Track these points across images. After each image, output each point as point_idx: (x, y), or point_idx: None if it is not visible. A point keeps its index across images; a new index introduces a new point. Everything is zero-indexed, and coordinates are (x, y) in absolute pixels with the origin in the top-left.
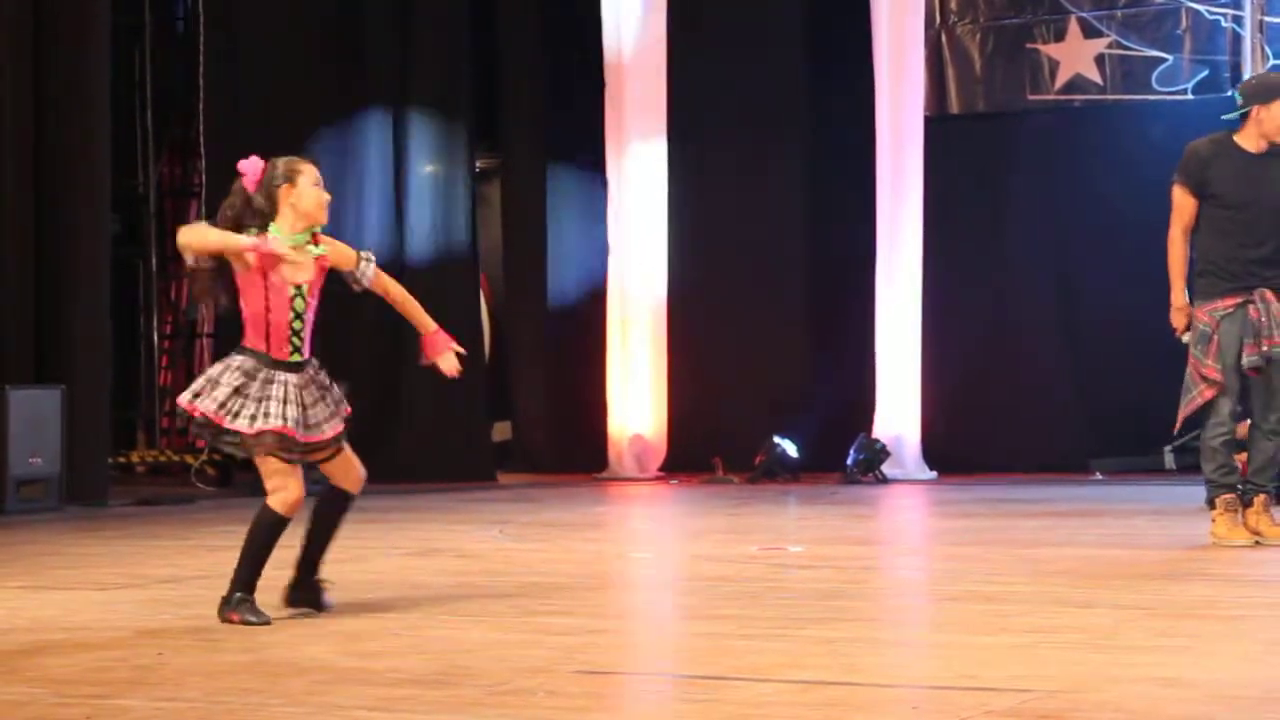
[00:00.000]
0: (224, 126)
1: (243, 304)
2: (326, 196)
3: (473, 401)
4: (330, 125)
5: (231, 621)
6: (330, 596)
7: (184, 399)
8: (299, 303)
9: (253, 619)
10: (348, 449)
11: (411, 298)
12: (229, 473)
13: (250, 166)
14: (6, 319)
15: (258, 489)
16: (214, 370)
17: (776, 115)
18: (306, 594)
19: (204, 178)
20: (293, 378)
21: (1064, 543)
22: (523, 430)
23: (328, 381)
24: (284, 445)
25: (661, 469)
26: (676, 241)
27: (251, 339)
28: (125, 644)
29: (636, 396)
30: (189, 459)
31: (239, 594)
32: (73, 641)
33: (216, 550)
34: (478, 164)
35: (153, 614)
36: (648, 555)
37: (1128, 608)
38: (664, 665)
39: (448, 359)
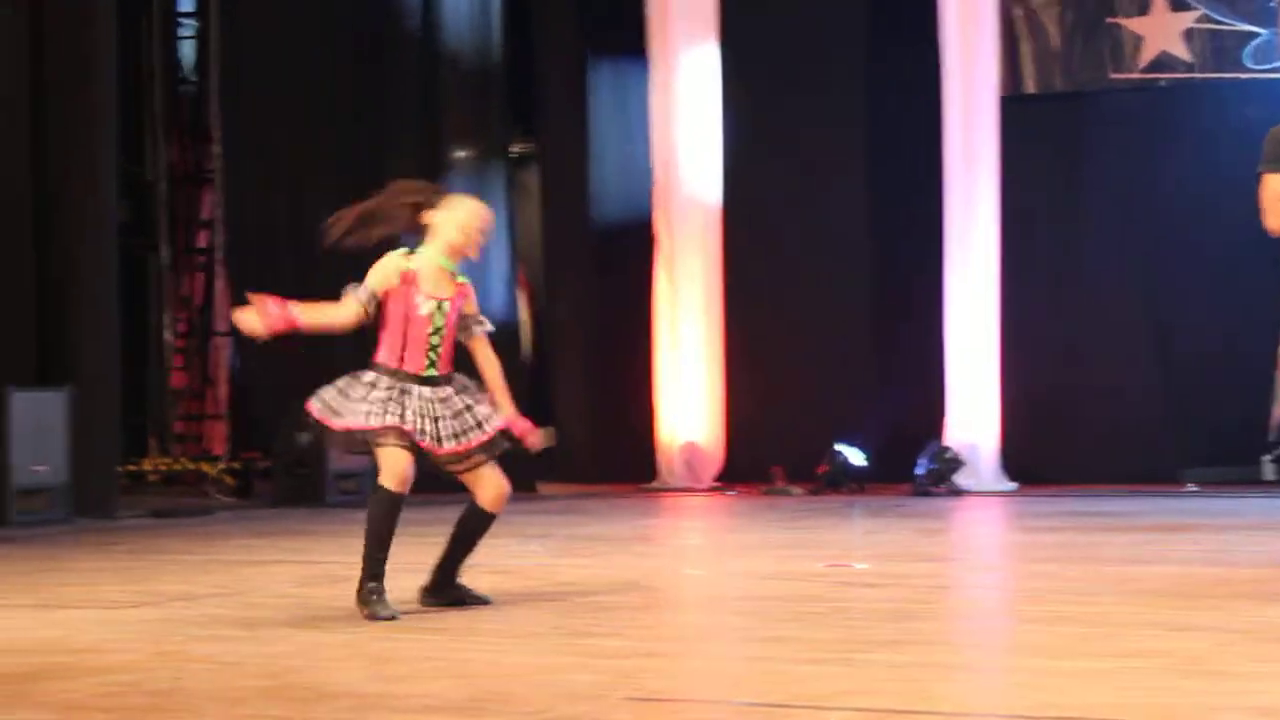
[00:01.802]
0: (237, 108)
1: (385, 318)
2: (483, 233)
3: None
4: (351, 108)
5: (362, 615)
6: (481, 591)
7: (318, 409)
8: (438, 318)
9: (381, 612)
10: (488, 466)
11: (501, 376)
12: (249, 482)
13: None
14: (7, 315)
15: (279, 500)
16: (342, 382)
17: (837, 107)
18: (440, 596)
19: (217, 163)
20: (426, 390)
21: (1153, 560)
22: (565, 437)
23: (472, 401)
24: (405, 441)
25: (716, 479)
26: (732, 235)
27: (385, 356)
28: (138, 667)
29: (689, 401)
30: (205, 467)
31: (369, 584)
32: (81, 664)
33: (236, 566)
34: (514, 149)
35: (167, 634)
36: (701, 572)
37: (1222, 630)
38: (720, 692)
39: (533, 439)
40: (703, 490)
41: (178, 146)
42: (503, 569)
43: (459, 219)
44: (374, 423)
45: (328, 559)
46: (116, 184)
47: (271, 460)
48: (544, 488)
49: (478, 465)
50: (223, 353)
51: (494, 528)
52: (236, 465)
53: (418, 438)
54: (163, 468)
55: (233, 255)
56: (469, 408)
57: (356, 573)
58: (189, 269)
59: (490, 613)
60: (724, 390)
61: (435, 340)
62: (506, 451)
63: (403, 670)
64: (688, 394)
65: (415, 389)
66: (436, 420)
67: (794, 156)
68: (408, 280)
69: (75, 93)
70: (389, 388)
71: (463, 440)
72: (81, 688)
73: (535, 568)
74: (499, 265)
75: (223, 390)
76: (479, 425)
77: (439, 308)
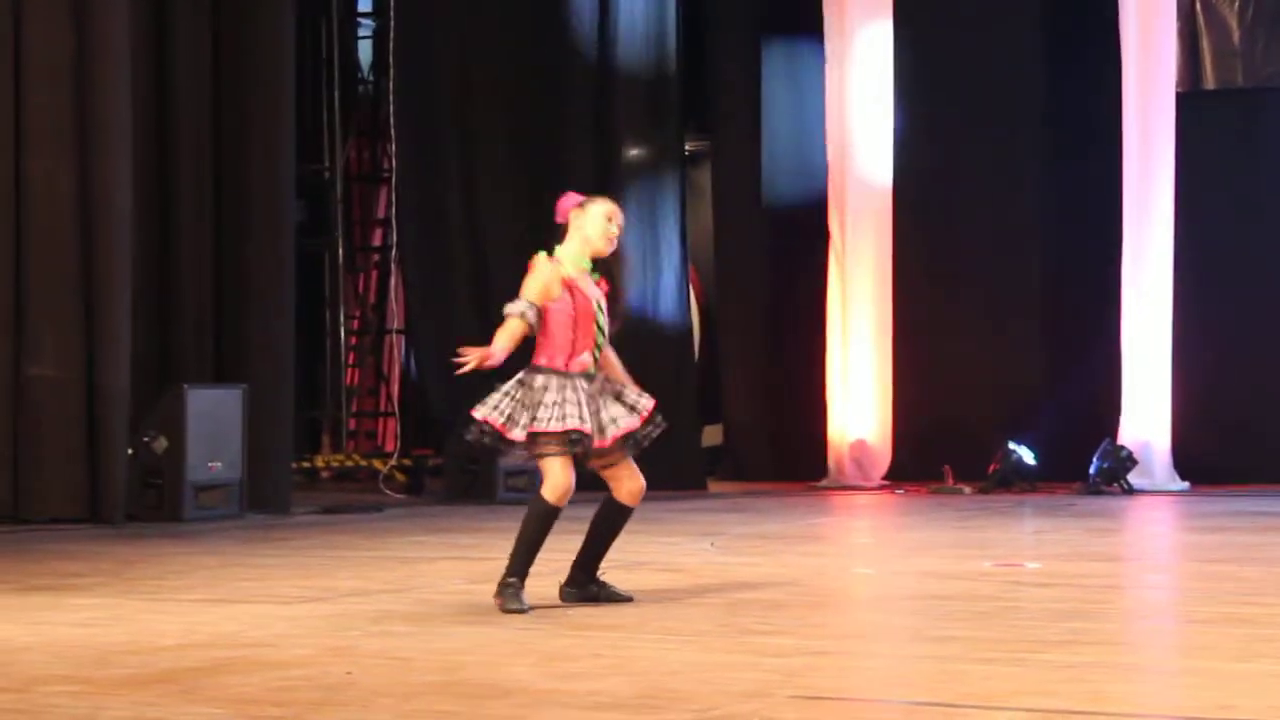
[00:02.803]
0: (415, 106)
1: (548, 323)
2: (615, 231)
3: (681, 404)
4: (526, 106)
5: (496, 605)
6: (622, 589)
7: (494, 418)
8: (601, 317)
9: (513, 606)
10: (627, 462)
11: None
12: (419, 479)
13: (566, 201)
14: (184, 315)
15: (450, 496)
16: (510, 387)
17: (1013, 98)
18: (580, 591)
19: (393, 162)
20: (587, 384)
21: None
22: (735, 435)
23: (620, 389)
24: (571, 444)
25: (886, 477)
26: (902, 231)
27: (552, 358)
28: (311, 662)
29: (859, 399)
30: (377, 464)
31: (510, 579)
32: (255, 659)
33: (408, 562)
34: (687, 146)
35: (340, 630)
36: (871, 571)
37: None
38: (888, 691)
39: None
40: (872, 489)
41: (355, 145)
42: (673, 566)
43: (595, 221)
44: (552, 427)
45: (498, 555)
46: (294, 183)
47: (443, 457)
48: (714, 486)
49: (623, 459)
50: (396, 350)
51: (664, 524)
52: (408, 462)
53: (590, 438)
54: (335, 464)
55: (407, 253)
56: (619, 395)
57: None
58: (364, 267)
59: (659, 610)
60: (893, 388)
61: (600, 339)
62: (653, 439)
63: (572, 667)
64: (858, 391)
65: (582, 384)
66: (598, 413)
67: (968, 147)
68: (569, 285)
69: (254, 92)
70: (560, 388)
71: (622, 425)
72: (255, 682)
73: (705, 566)
74: (671, 264)
75: (395, 387)
76: (632, 409)
77: (599, 307)
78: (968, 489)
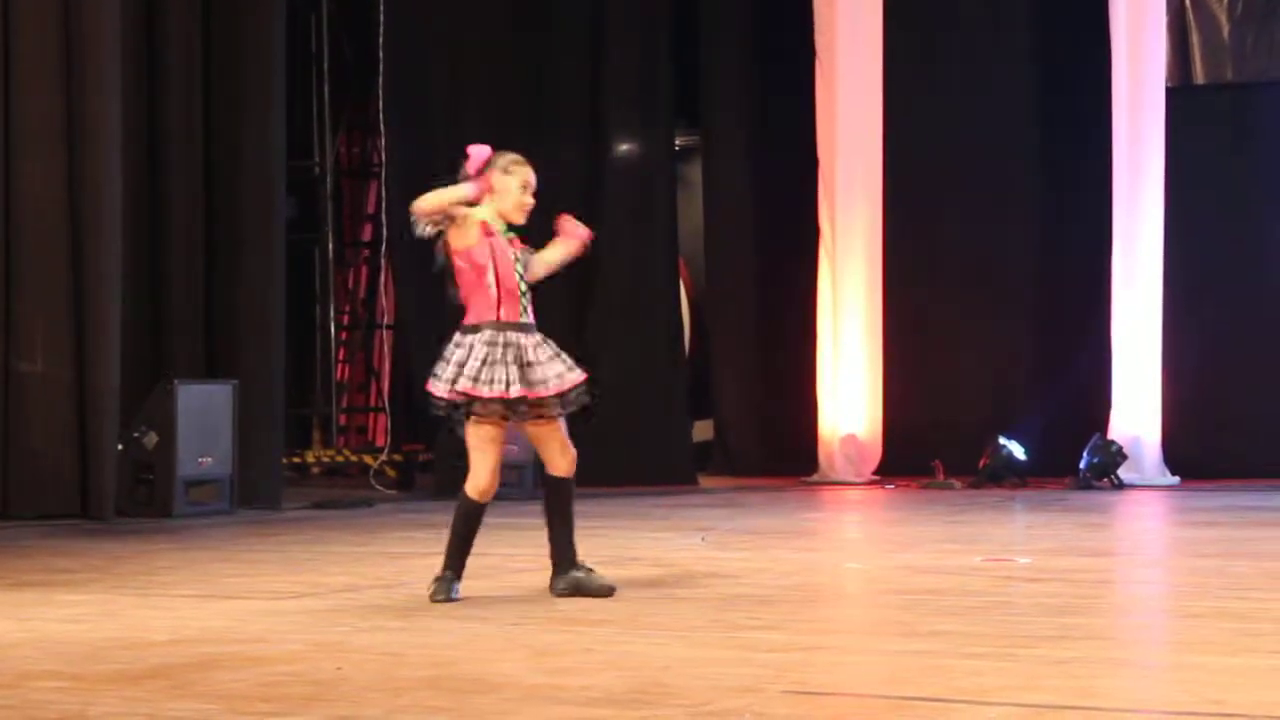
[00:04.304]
0: (405, 101)
1: (463, 283)
2: (530, 202)
3: (672, 399)
4: (516, 102)
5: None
6: (605, 578)
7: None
8: (519, 267)
9: (439, 596)
10: (561, 424)
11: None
12: (410, 475)
13: (478, 151)
14: (175, 309)
15: (441, 492)
16: (446, 350)
17: (1004, 93)
18: (570, 584)
19: (383, 156)
20: (524, 338)
21: None
22: (725, 429)
23: (554, 351)
24: (519, 408)
25: (876, 472)
26: (893, 223)
27: (479, 312)
28: (301, 657)
29: (849, 393)
30: (367, 459)
31: (445, 572)
32: (245, 654)
33: (398, 558)
34: (677, 141)
35: (330, 625)
36: (861, 566)
37: None
38: (880, 686)
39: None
40: (862, 483)
41: (344, 140)
42: (664, 562)
43: (511, 193)
44: (481, 391)
45: (488, 551)
46: (284, 178)
47: (433, 452)
48: (705, 481)
49: (553, 425)
50: (386, 344)
51: (655, 519)
52: (398, 457)
53: (519, 402)
54: (326, 459)
55: (397, 248)
56: (559, 354)
57: (518, 565)
58: (354, 262)
59: (651, 605)
60: (884, 382)
61: (524, 289)
62: (583, 407)
63: (564, 662)
64: (848, 386)
65: (516, 337)
66: (533, 367)
67: (958, 142)
68: (487, 232)
69: (244, 88)
70: (490, 343)
71: (552, 385)
72: (245, 678)
73: (696, 561)
74: (661, 259)
75: (385, 383)
76: (571, 369)
77: (516, 258)
78: (958, 484)
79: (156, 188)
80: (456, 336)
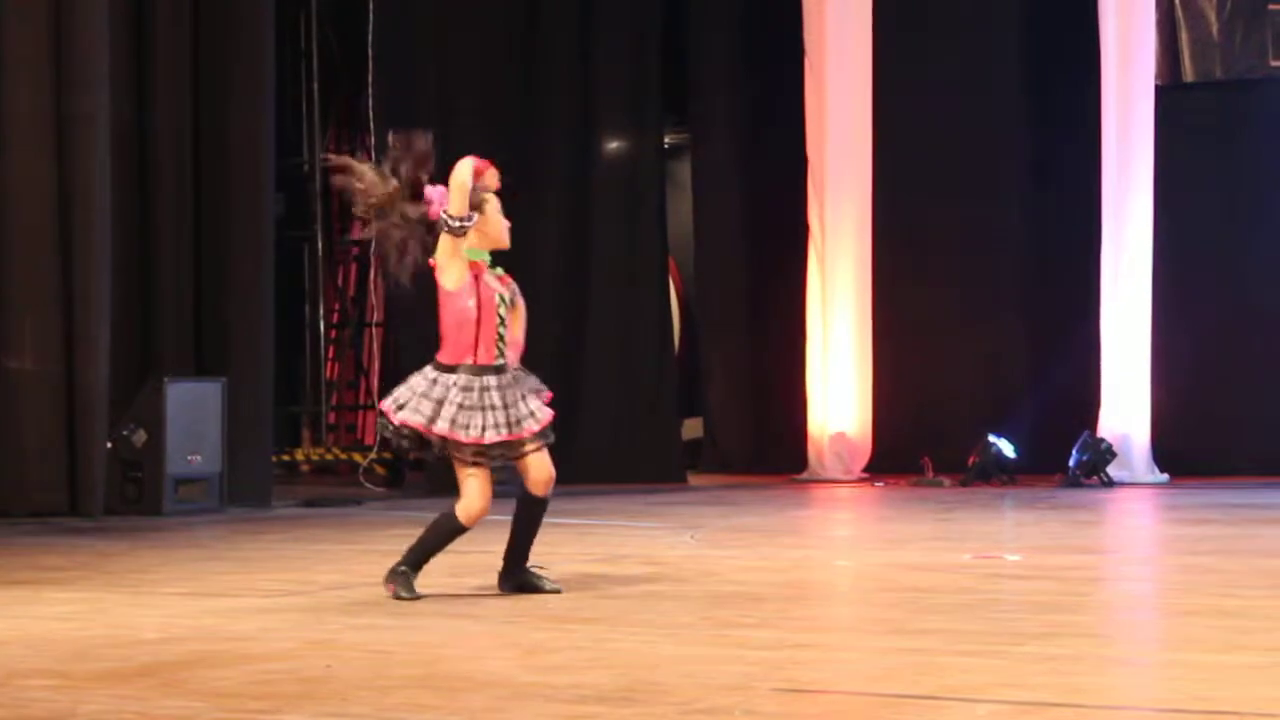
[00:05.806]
0: (395, 98)
1: (445, 318)
2: (507, 223)
3: (661, 397)
4: (505, 100)
5: (387, 590)
6: (551, 579)
7: (395, 413)
8: (503, 309)
9: (403, 594)
10: (542, 451)
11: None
12: (399, 473)
13: (439, 194)
14: (164, 307)
15: (431, 490)
16: (417, 382)
17: (992, 91)
18: (516, 581)
19: (373, 154)
20: (494, 380)
21: None
22: (715, 428)
23: (523, 374)
24: (494, 451)
25: (866, 470)
26: (882, 221)
27: (454, 352)
28: (291, 655)
29: (838, 391)
30: (357, 458)
31: (403, 567)
32: (235, 652)
33: (387, 555)
34: (667, 140)
35: (320, 623)
36: (850, 563)
37: None
38: (869, 683)
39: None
40: (852, 481)
41: (334, 138)
42: (654, 559)
43: (492, 219)
44: (462, 436)
45: (478, 549)
46: (273, 176)
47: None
48: (694, 479)
49: (536, 449)
50: (376, 343)
51: (644, 517)
52: (388, 455)
53: (500, 446)
54: (315, 457)
55: None
56: (537, 389)
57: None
58: (343, 260)
59: (640, 603)
60: (874, 381)
61: (502, 331)
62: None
63: (554, 660)
64: (838, 384)
65: (492, 381)
66: (513, 406)
67: (948, 141)
68: (476, 274)
69: (233, 85)
70: (466, 388)
71: (539, 419)
72: (235, 676)
73: (686, 558)
74: (651, 258)
75: (375, 381)
76: (532, 415)
77: (501, 300)
78: (947, 481)
79: (145, 185)
80: (430, 371)
